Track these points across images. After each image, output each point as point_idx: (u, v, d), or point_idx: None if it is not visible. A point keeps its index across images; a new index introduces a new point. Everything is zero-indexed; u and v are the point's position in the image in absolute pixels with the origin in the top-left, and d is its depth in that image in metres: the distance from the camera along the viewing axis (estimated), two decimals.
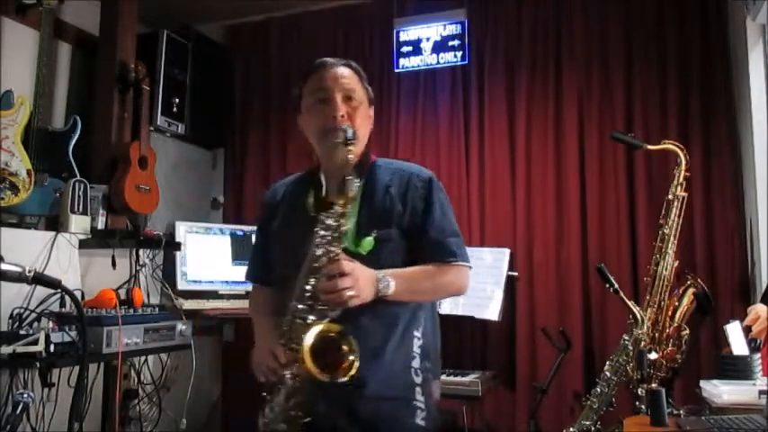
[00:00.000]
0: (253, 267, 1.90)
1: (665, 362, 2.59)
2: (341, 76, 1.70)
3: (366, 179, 1.69)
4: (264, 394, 1.61)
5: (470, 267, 1.72)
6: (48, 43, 3.05)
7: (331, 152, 1.63)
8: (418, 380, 1.67)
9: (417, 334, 1.69)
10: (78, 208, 3.01)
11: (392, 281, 1.56)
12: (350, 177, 1.53)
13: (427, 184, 1.70)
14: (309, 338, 1.44)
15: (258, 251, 1.88)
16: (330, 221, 1.53)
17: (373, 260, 1.58)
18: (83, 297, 2.85)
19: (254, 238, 1.94)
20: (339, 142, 1.58)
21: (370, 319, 1.60)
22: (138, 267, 3.25)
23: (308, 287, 1.52)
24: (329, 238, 1.52)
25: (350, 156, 1.55)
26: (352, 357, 1.46)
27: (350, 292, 1.47)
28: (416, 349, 1.68)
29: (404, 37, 3.84)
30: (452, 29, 3.75)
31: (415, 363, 1.67)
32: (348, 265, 1.49)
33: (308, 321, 1.50)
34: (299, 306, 1.53)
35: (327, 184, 1.71)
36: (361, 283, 1.50)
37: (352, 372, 1.45)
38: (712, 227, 3.16)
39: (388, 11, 3.89)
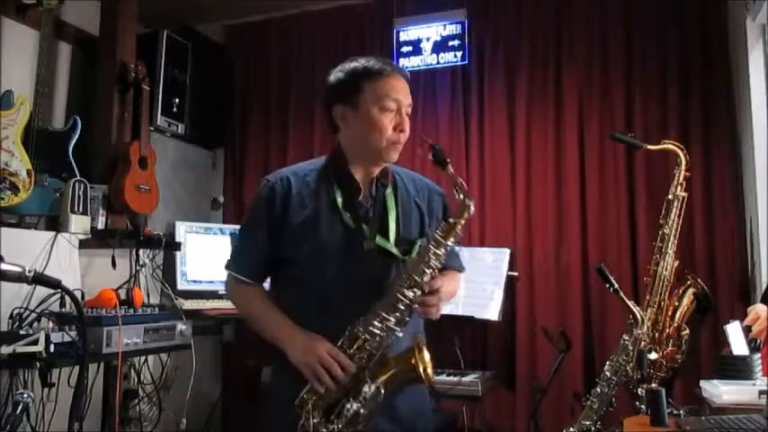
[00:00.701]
0: (249, 263, 1.74)
1: (665, 362, 2.58)
2: (407, 90, 1.72)
3: (394, 185, 1.75)
4: (310, 396, 1.56)
5: None
6: (48, 43, 3.05)
7: (379, 154, 1.68)
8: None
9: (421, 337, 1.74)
10: (78, 208, 3.01)
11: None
12: (466, 199, 1.59)
13: (442, 198, 1.82)
14: (426, 356, 1.55)
15: (254, 245, 1.72)
16: (446, 241, 1.58)
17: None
18: (83, 297, 2.84)
19: (247, 230, 1.78)
20: (432, 160, 1.62)
21: (402, 330, 1.62)
22: (138, 267, 3.25)
23: (404, 299, 1.56)
24: (440, 256, 1.58)
25: (450, 169, 1.60)
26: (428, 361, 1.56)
27: (439, 306, 1.61)
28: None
29: (404, 37, 3.85)
30: (452, 29, 3.75)
31: None
32: (440, 282, 1.60)
33: (393, 332, 1.55)
34: (387, 316, 1.55)
35: (368, 189, 1.73)
36: (443, 297, 1.61)
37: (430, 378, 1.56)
38: (712, 227, 3.16)
39: (388, 11, 3.89)
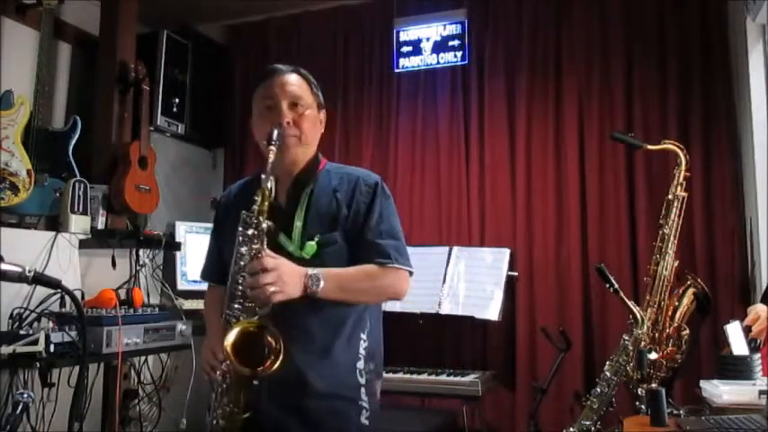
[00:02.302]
0: (207, 266, 1.92)
1: (665, 362, 2.59)
2: (287, 83, 1.73)
3: (314, 184, 1.73)
4: (212, 393, 1.64)
5: (410, 272, 1.73)
6: (48, 43, 3.05)
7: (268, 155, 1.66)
8: (362, 380, 1.70)
9: (363, 336, 1.72)
10: (78, 208, 3.01)
11: (323, 279, 1.57)
12: (263, 175, 1.56)
13: (372, 189, 1.73)
14: (231, 335, 1.48)
15: (212, 251, 1.89)
16: (250, 219, 1.55)
17: (318, 264, 1.61)
18: (83, 297, 2.85)
19: (210, 238, 1.94)
20: (263, 143, 1.64)
21: (318, 320, 1.64)
22: (138, 267, 3.25)
23: (238, 286, 1.55)
24: (250, 235, 1.54)
25: (270, 156, 1.60)
26: (277, 347, 1.47)
27: (272, 288, 1.48)
28: (362, 351, 1.71)
29: (404, 37, 3.84)
30: (452, 29, 3.75)
31: (360, 364, 1.70)
32: (270, 261, 1.51)
33: (240, 320, 1.53)
34: (233, 305, 1.56)
35: (274, 187, 1.72)
36: (285, 278, 1.51)
37: (278, 363, 1.47)
38: (712, 227, 3.16)
39: (388, 11, 3.89)
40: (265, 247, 1.54)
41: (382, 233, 1.69)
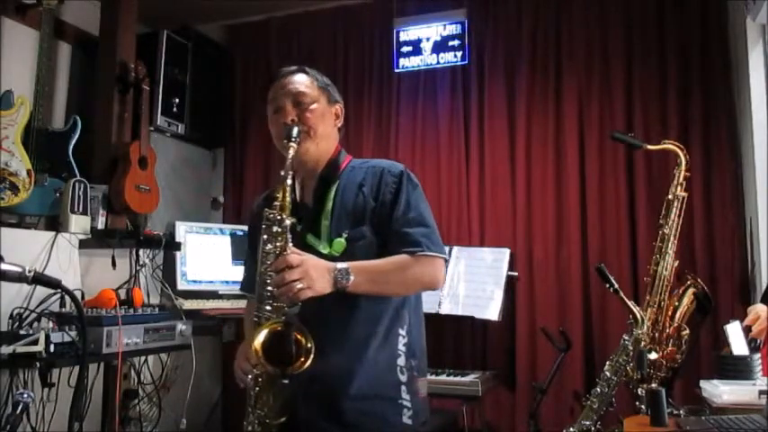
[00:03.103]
0: (246, 278, 1.87)
1: (665, 362, 2.58)
2: (290, 83, 1.73)
3: (339, 181, 1.72)
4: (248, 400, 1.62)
5: (445, 259, 1.71)
6: (48, 43, 3.05)
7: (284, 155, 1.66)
8: (404, 378, 1.66)
9: (402, 332, 1.69)
10: (78, 208, 3.01)
11: (352, 273, 1.54)
12: (282, 172, 1.56)
13: (398, 178, 1.70)
14: (259, 337, 1.46)
15: (250, 262, 1.85)
16: (273, 216, 1.54)
17: (348, 260, 1.58)
18: (83, 297, 2.85)
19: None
20: (284, 141, 1.62)
21: (352, 317, 1.62)
22: (138, 267, 3.24)
23: (267, 286, 1.53)
24: (274, 232, 1.52)
25: (290, 152, 1.59)
26: (309, 346, 1.45)
27: (299, 285, 1.46)
28: (401, 347, 1.67)
29: (404, 37, 3.84)
30: (452, 29, 3.75)
31: (401, 361, 1.66)
32: (296, 257, 1.49)
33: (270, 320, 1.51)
34: (264, 307, 1.54)
35: (299, 188, 1.74)
36: (312, 274, 1.48)
37: (308, 362, 1.45)
38: (712, 227, 3.16)
39: (388, 11, 3.88)
40: (290, 243, 1.52)
41: (411, 221, 1.66)
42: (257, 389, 1.56)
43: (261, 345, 1.46)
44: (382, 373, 1.64)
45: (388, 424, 1.63)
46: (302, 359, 1.45)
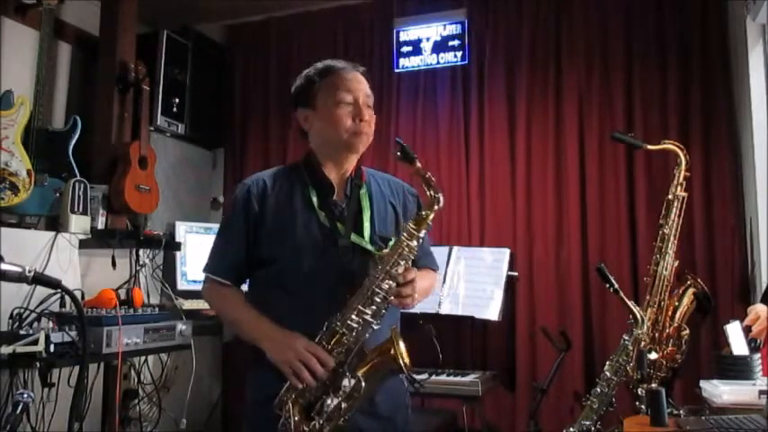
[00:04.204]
0: (228, 264, 1.74)
1: (665, 362, 2.58)
2: (362, 80, 1.75)
3: (367, 186, 1.77)
4: (289, 395, 1.56)
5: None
6: (48, 43, 3.05)
7: (342, 152, 1.72)
8: (408, 401, 1.81)
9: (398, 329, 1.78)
10: (78, 208, 3.01)
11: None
12: (433, 193, 1.60)
13: (416, 198, 1.83)
14: (402, 346, 1.56)
15: (237, 247, 1.71)
16: (419, 233, 1.60)
17: None
18: (83, 297, 2.85)
19: (224, 232, 1.77)
20: (399, 157, 1.61)
21: (382, 320, 1.63)
22: (138, 267, 3.25)
23: (379, 291, 1.58)
24: (413, 248, 1.60)
25: (420, 171, 1.60)
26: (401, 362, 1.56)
27: (414, 297, 1.63)
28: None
29: (404, 37, 3.84)
30: (452, 29, 3.75)
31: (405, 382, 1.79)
32: (414, 271, 1.62)
33: (371, 325, 1.57)
34: (365, 309, 1.57)
35: (339, 186, 1.75)
36: (417, 289, 1.63)
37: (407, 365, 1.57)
38: (712, 227, 3.16)
39: (388, 11, 3.89)
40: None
41: (425, 241, 1.75)
42: (349, 393, 1.55)
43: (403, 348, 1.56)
44: (398, 393, 1.75)
45: (404, 409, 1.76)
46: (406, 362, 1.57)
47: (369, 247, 1.67)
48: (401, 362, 1.54)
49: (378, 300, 1.57)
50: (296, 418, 1.53)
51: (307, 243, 1.65)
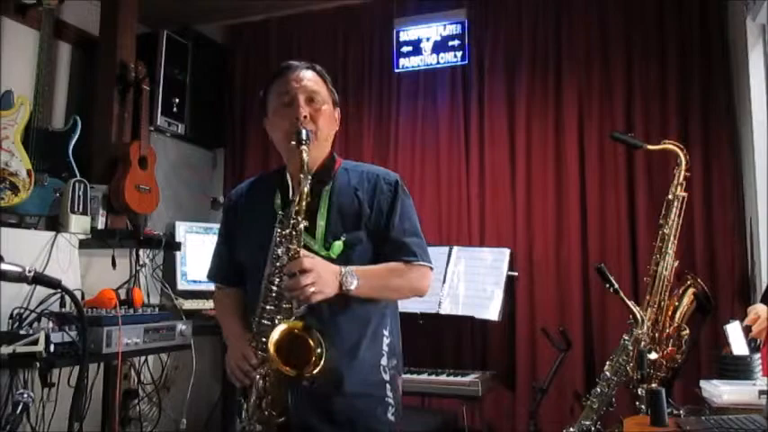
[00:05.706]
0: (215, 267, 1.88)
1: (665, 362, 2.58)
2: (304, 77, 1.72)
3: (333, 182, 1.73)
4: (240, 399, 1.65)
5: (432, 269, 1.76)
6: (48, 43, 3.05)
7: (293, 154, 1.64)
8: (387, 377, 1.72)
9: (385, 332, 1.74)
10: (78, 208, 3.01)
11: (356, 277, 1.58)
12: (302, 175, 1.57)
13: (393, 187, 1.74)
14: (275, 336, 1.49)
15: (221, 252, 1.86)
16: (287, 219, 1.56)
17: (342, 263, 1.61)
18: (83, 297, 2.85)
19: (218, 239, 1.90)
20: (294, 144, 1.61)
21: (347, 318, 1.64)
22: (138, 267, 3.25)
23: (273, 287, 1.57)
24: (288, 235, 1.55)
25: (304, 155, 1.58)
26: (319, 351, 1.49)
27: (312, 288, 1.50)
28: (385, 347, 1.73)
29: (404, 37, 3.84)
30: (452, 29, 3.75)
31: (384, 360, 1.72)
32: (309, 261, 1.52)
33: (276, 321, 1.54)
34: (266, 306, 1.58)
35: (294, 186, 1.73)
36: (323, 278, 1.53)
37: (320, 366, 1.48)
38: (712, 227, 3.16)
39: (388, 11, 3.89)
40: (302, 247, 1.55)
41: (406, 231, 1.71)
42: (263, 389, 1.56)
43: (275, 345, 1.48)
44: (369, 372, 1.69)
45: (377, 421, 1.68)
46: (315, 364, 1.48)
47: (315, 247, 1.64)
48: (274, 358, 1.48)
49: (273, 295, 1.57)
50: (249, 412, 1.59)
51: (264, 245, 1.65)
